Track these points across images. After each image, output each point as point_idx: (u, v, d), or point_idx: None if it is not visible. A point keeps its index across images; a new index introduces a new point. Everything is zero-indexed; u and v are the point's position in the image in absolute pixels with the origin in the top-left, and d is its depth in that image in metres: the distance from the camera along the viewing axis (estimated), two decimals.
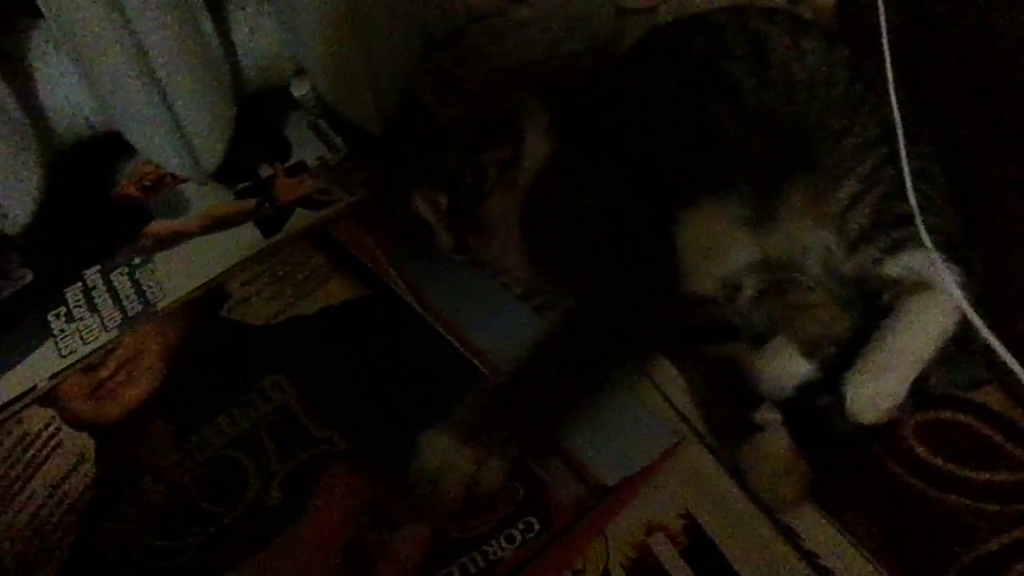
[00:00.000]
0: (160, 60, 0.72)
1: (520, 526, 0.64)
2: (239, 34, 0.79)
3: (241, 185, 0.94)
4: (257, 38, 0.80)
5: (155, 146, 0.79)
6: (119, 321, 0.83)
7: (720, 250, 0.81)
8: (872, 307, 0.78)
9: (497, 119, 0.81)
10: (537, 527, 0.64)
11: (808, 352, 0.76)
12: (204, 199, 0.92)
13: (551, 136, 0.82)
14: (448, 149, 0.78)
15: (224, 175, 0.91)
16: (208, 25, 0.75)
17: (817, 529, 0.66)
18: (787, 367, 0.76)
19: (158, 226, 0.91)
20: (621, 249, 0.77)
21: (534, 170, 0.80)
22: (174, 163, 0.81)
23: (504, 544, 0.63)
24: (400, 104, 0.85)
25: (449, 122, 0.79)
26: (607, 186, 0.79)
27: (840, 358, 0.76)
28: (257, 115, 0.92)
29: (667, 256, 0.78)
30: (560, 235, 0.78)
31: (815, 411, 0.74)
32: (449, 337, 0.76)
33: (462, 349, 0.75)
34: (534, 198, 0.79)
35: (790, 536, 0.65)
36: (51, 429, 0.75)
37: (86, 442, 0.74)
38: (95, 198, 0.95)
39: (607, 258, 0.76)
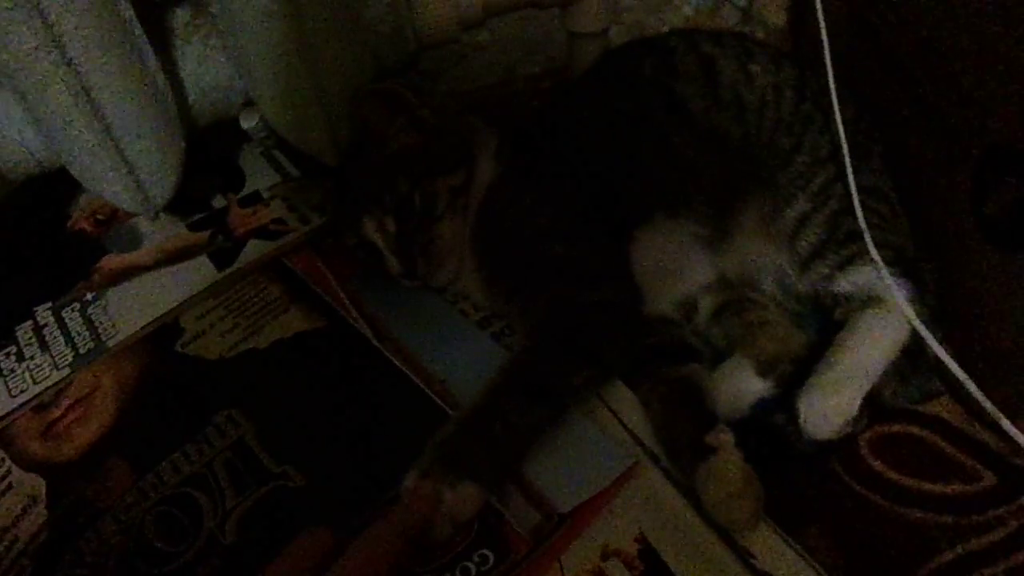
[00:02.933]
0: (104, 98, 0.72)
1: (475, 559, 0.63)
2: (186, 68, 0.79)
3: (195, 217, 0.93)
4: (205, 72, 0.79)
5: (103, 182, 0.78)
6: (71, 359, 0.81)
7: (676, 270, 0.81)
8: (827, 323, 0.79)
9: (449, 144, 0.81)
10: (492, 559, 0.63)
11: (764, 370, 0.77)
12: (157, 232, 0.91)
13: (500, 159, 0.82)
14: (398, 173, 0.78)
15: (177, 207, 0.90)
16: (153, 61, 0.74)
17: (773, 550, 0.66)
18: (743, 386, 0.77)
19: (111, 261, 0.90)
20: (577, 269, 0.77)
21: (484, 193, 0.80)
22: (123, 199, 0.80)
23: None
24: (351, 129, 0.85)
25: (400, 146, 0.79)
26: (560, 207, 0.79)
27: (796, 375, 0.76)
28: (211, 145, 0.91)
29: (624, 274, 0.78)
30: (514, 257, 0.78)
31: (771, 429, 0.74)
32: (404, 368, 0.75)
33: (418, 380, 0.74)
34: (486, 221, 0.80)
35: (745, 558, 0.65)
36: (1, 471, 0.74)
37: (37, 483, 0.72)
38: (48, 233, 0.94)
39: (563, 279, 0.76)
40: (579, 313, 0.74)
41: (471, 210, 0.80)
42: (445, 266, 0.79)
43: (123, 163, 0.76)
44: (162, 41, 0.78)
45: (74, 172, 0.79)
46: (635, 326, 0.77)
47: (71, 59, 0.68)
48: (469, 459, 0.65)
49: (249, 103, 0.83)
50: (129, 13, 0.71)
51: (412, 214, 0.77)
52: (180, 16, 0.80)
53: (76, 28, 0.67)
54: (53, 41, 0.67)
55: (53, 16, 0.66)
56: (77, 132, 0.73)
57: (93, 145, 0.74)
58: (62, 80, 0.69)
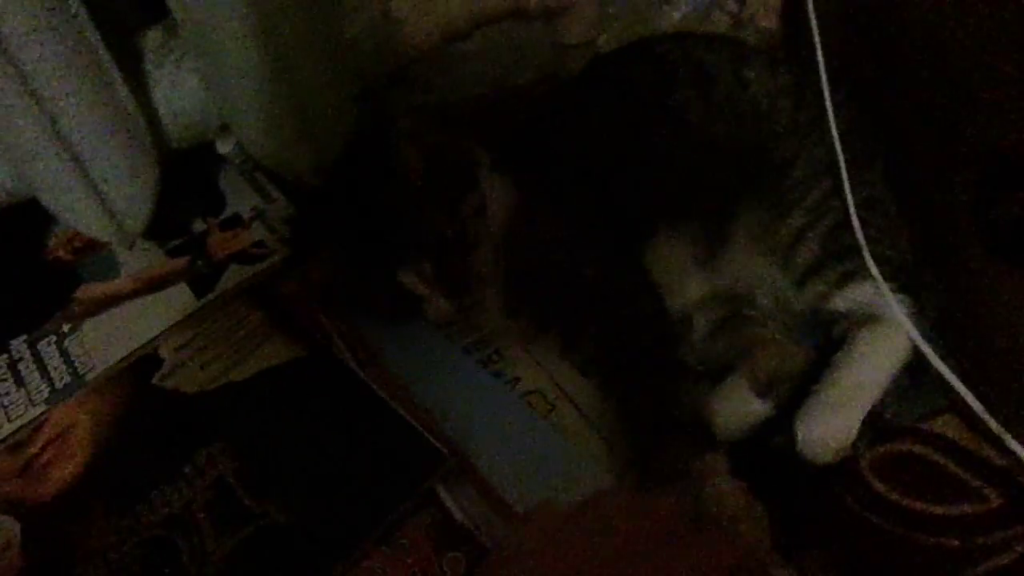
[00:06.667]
0: (72, 127, 0.69)
1: None
2: (159, 94, 0.76)
3: (173, 243, 0.90)
4: (178, 97, 0.77)
5: (75, 213, 0.76)
6: (47, 395, 0.79)
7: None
8: (827, 340, 0.77)
9: (453, 167, 0.78)
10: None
11: (763, 390, 0.75)
12: (136, 260, 0.88)
13: (504, 175, 0.79)
14: (427, 213, 0.74)
15: (156, 232, 0.88)
16: (122, 86, 0.71)
17: None
18: (742, 407, 0.75)
19: (88, 290, 0.87)
20: (610, 287, 0.75)
21: (499, 213, 0.77)
22: (96, 229, 0.78)
23: None
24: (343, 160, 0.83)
25: (418, 184, 0.75)
26: (576, 226, 0.77)
27: (795, 394, 0.75)
28: (189, 168, 0.89)
29: (651, 284, 0.77)
30: (543, 282, 0.76)
31: (770, 452, 0.73)
32: (388, 398, 0.73)
33: (402, 410, 0.72)
34: (505, 245, 0.77)
35: None
36: None
37: (11, 527, 0.70)
38: (23, 263, 0.91)
39: (599, 299, 0.75)
40: (621, 332, 0.74)
41: (491, 231, 0.77)
42: (489, 291, 0.76)
43: (94, 193, 0.74)
44: (133, 65, 0.75)
45: (44, 203, 0.77)
46: (671, 336, 0.76)
47: (35, 89, 0.66)
48: None
49: (225, 127, 0.80)
50: (95, 38, 0.69)
51: (450, 250, 0.73)
52: (151, 38, 0.77)
53: (39, 57, 0.65)
54: (15, 70, 0.64)
55: (14, 45, 0.63)
56: (44, 163, 0.70)
57: (61, 175, 0.72)
58: (26, 110, 0.67)
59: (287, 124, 0.78)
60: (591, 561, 0.46)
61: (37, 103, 0.67)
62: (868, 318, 0.74)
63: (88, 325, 0.84)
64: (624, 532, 0.50)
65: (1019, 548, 0.66)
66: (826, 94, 0.78)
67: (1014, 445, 0.67)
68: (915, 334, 0.71)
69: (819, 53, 0.78)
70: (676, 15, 1.08)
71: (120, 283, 0.87)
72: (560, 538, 0.48)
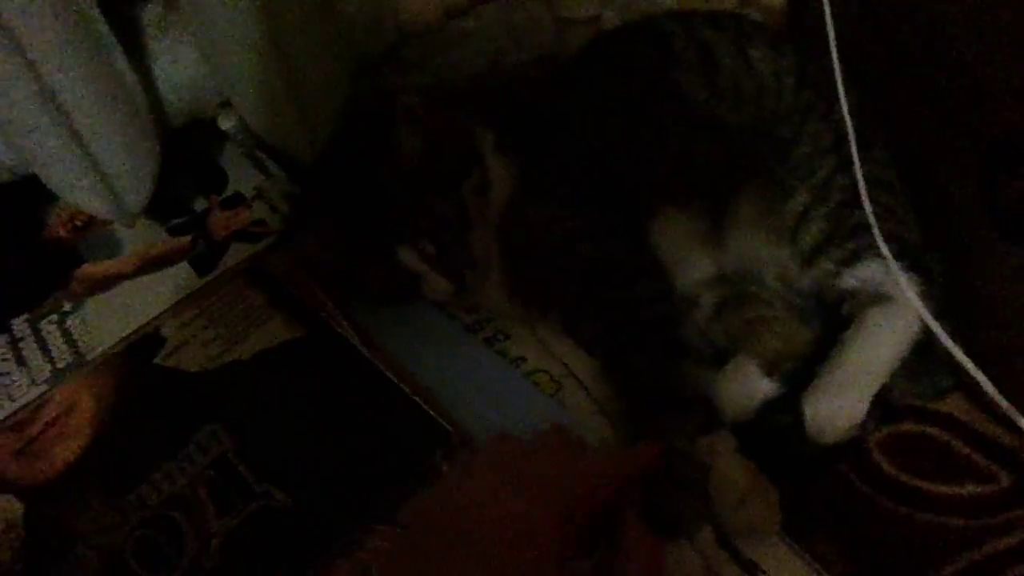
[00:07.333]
0: (70, 101, 0.68)
1: None
2: (158, 68, 0.75)
3: (175, 221, 0.90)
4: (177, 71, 0.76)
5: (74, 189, 0.75)
6: (48, 374, 0.78)
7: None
8: (833, 318, 0.76)
9: (455, 146, 0.77)
10: None
11: (769, 369, 0.74)
12: (137, 238, 0.88)
13: (506, 155, 0.79)
14: (427, 192, 0.73)
15: (158, 211, 0.87)
16: (122, 59, 0.71)
17: (781, 561, 0.64)
18: (749, 386, 0.75)
19: (89, 269, 0.86)
20: (610, 268, 0.75)
21: (501, 193, 0.77)
22: (96, 206, 0.77)
23: None
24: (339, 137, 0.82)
25: (416, 163, 0.74)
26: (578, 204, 0.76)
27: (802, 373, 0.74)
28: (191, 145, 0.88)
29: (654, 265, 0.76)
30: (543, 262, 0.76)
31: (778, 432, 0.72)
32: (393, 376, 0.73)
33: (407, 389, 0.72)
34: (507, 225, 0.76)
35: (752, 571, 0.63)
36: None
37: (14, 506, 0.70)
38: (23, 242, 0.90)
39: (599, 280, 0.75)
40: (624, 313, 0.73)
41: (492, 211, 0.76)
42: (489, 272, 0.75)
43: (93, 169, 0.73)
44: (132, 38, 0.75)
45: (43, 179, 0.76)
46: (674, 317, 0.76)
47: (32, 61, 0.65)
48: None
49: (227, 103, 0.79)
50: (94, 10, 0.68)
51: (450, 229, 0.73)
52: (151, 11, 0.77)
53: (35, 29, 0.64)
54: (11, 43, 0.63)
55: (11, 18, 0.62)
56: (43, 138, 0.69)
57: (60, 151, 0.71)
58: (25, 84, 0.66)
59: (282, 99, 0.77)
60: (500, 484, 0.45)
61: (36, 77, 0.66)
62: (876, 297, 0.73)
63: (90, 304, 0.83)
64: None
65: None
66: (836, 71, 0.77)
67: None
68: (924, 313, 0.71)
69: (829, 26, 0.77)
70: None
71: (121, 262, 0.87)
72: (502, 464, 0.47)
